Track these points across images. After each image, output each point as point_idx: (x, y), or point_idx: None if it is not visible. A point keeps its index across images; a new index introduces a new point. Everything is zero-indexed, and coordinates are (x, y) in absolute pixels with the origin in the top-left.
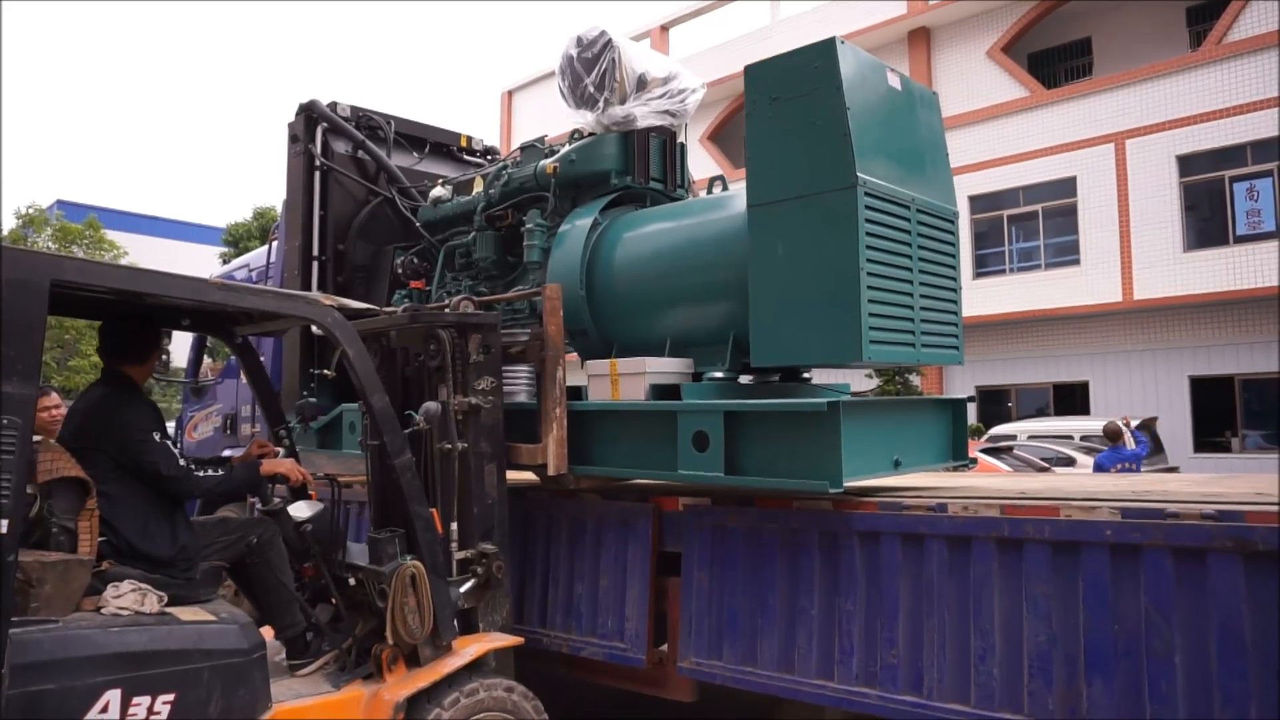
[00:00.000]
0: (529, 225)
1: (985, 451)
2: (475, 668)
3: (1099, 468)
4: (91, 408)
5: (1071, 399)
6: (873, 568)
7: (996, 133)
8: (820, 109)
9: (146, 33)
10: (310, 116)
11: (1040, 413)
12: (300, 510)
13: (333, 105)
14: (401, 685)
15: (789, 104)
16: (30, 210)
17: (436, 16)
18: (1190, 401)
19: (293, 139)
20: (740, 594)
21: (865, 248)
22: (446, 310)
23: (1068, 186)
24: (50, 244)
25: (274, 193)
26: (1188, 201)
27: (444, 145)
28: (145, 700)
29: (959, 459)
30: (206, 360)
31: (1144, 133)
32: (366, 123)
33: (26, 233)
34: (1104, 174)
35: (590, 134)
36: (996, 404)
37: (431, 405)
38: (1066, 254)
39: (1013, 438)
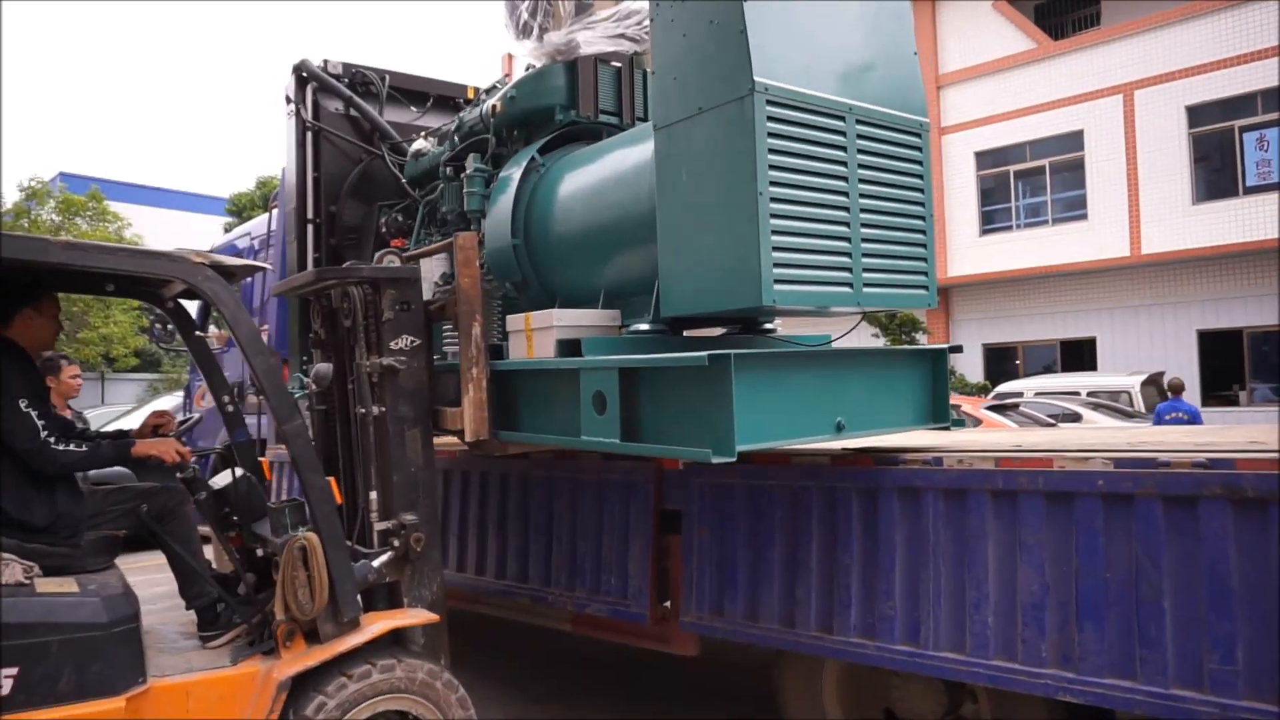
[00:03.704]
0: (467, 172)
1: (991, 409)
2: (396, 647)
3: (1158, 416)
4: None
5: (1079, 355)
6: (870, 521)
7: (1003, 86)
8: (719, 3)
9: (147, 2)
10: (301, 76)
11: (1047, 369)
12: (218, 480)
13: (324, 64)
14: (291, 663)
15: (689, 1)
16: (33, 183)
17: None
18: (1198, 355)
19: (287, 100)
20: (741, 550)
21: (769, 167)
22: (363, 267)
23: (1075, 140)
24: (53, 216)
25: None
26: (1197, 153)
27: (449, 99)
28: None
29: (939, 420)
30: (212, 329)
31: (1152, 83)
32: (360, 79)
33: (29, 205)
34: (1112, 126)
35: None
36: (1003, 361)
37: (322, 367)
38: (1074, 209)
39: (1019, 395)
